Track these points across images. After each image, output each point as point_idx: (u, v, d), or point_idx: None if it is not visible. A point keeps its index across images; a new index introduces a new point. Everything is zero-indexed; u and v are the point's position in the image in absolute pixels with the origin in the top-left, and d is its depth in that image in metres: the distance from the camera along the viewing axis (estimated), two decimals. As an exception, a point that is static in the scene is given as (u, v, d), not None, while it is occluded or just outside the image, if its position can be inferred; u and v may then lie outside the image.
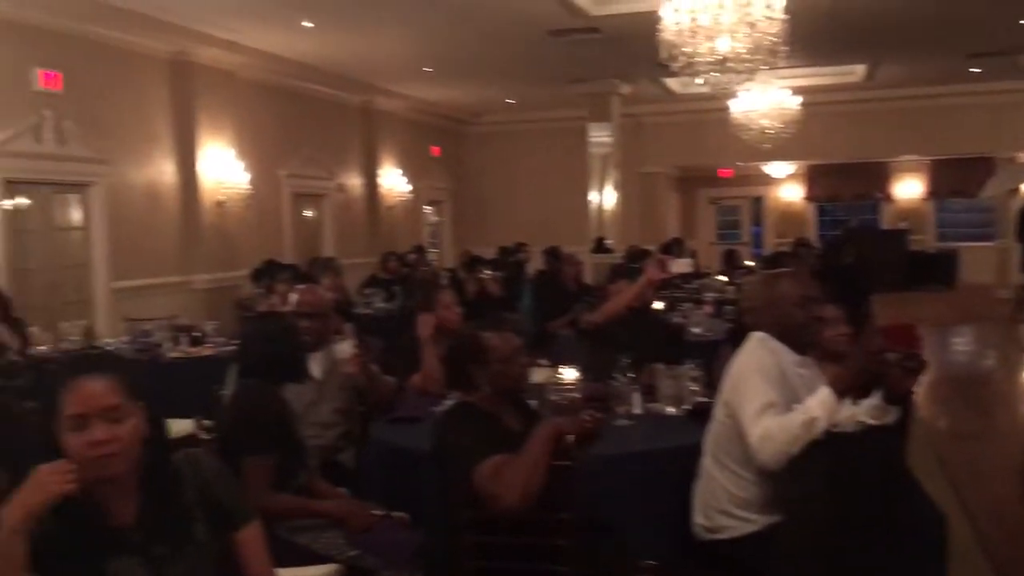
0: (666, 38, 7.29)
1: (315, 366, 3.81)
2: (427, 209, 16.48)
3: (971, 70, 13.15)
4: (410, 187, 14.95)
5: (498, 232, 15.30)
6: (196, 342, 6.74)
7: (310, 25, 9.52)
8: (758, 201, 19.76)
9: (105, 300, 8.90)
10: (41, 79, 8.14)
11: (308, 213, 12.89)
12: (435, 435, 2.97)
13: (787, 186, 19.18)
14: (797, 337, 3.03)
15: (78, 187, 8.76)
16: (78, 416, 1.81)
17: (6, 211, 7.86)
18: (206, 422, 3.68)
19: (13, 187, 8.00)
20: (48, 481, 1.70)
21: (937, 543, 2.88)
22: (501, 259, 11.76)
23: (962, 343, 11.73)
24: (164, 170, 9.79)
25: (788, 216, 19.13)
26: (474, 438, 2.77)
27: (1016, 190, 11.80)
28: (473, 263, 10.39)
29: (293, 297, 4.11)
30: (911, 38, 11.04)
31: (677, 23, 7.22)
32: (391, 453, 3.62)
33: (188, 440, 3.57)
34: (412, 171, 15.11)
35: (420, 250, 12.37)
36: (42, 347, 6.53)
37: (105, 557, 1.81)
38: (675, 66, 7.50)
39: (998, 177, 14.37)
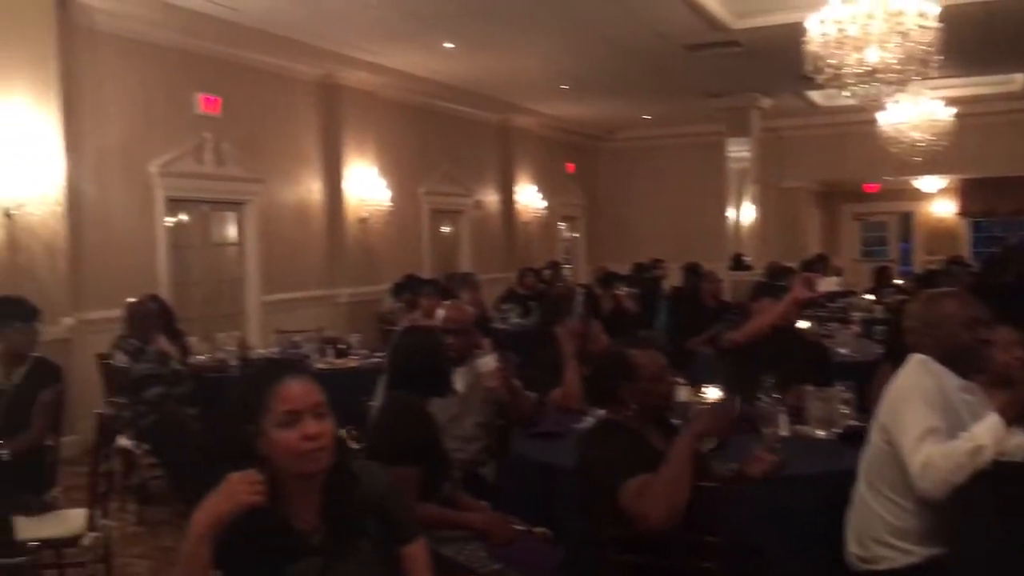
0: (812, 50, 7.10)
1: (458, 380, 3.87)
2: (561, 225, 16.54)
3: None
4: (545, 203, 15.06)
5: (632, 248, 15.19)
6: (341, 354, 6.97)
7: (451, 46, 9.75)
8: (906, 217, 18.91)
9: (256, 312, 9.34)
10: (202, 103, 8.64)
11: (445, 229, 13.16)
12: (579, 451, 2.97)
13: (938, 201, 18.28)
14: (962, 360, 2.87)
15: (234, 205, 9.25)
16: (291, 412, 1.89)
17: (169, 228, 8.36)
18: (352, 432, 3.78)
19: (175, 205, 8.50)
20: (238, 490, 1.78)
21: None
22: (636, 275, 11.65)
23: None
24: (312, 188, 10.21)
25: (939, 232, 18.21)
26: (620, 455, 2.75)
27: None
28: (609, 279, 10.34)
29: (440, 312, 4.19)
30: (1078, 43, 10.37)
31: (823, 34, 7.02)
32: (532, 468, 3.64)
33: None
34: (547, 187, 15.22)
35: (555, 266, 12.42)
36: (200, 357, 6.89)
37: (288, 560, 1.88)
38: (821, 78, 7.29)
39: None
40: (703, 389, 3.80)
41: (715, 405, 2.90)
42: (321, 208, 10.34)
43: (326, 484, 1.96)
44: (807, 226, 17.35)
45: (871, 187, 18.11)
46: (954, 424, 2.75)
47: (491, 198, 14.12)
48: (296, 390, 1.92)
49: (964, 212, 18.06)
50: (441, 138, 12.62)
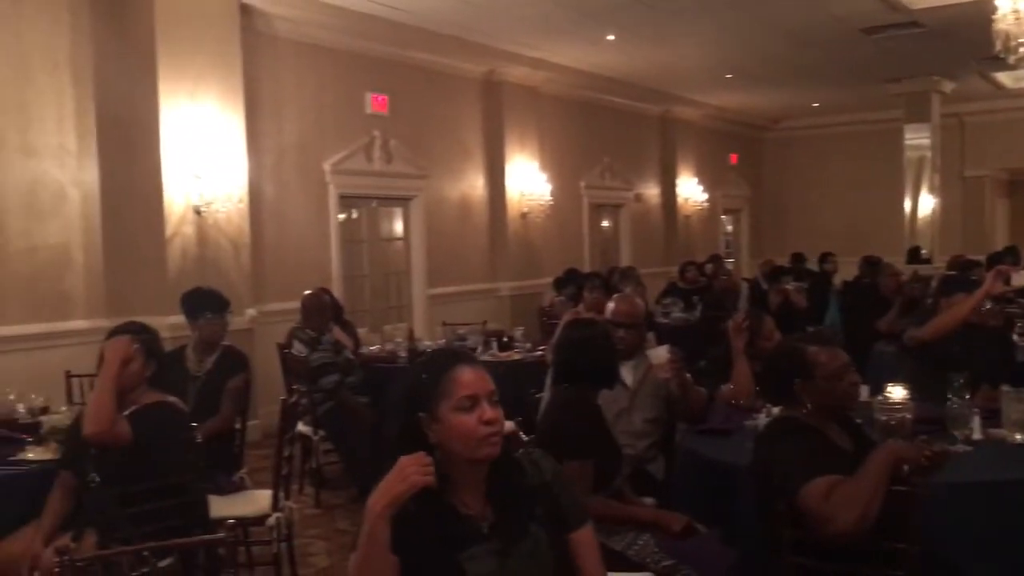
0: (1001, 28, 6.64)
1: (628, 374, 3.83)
2: (723, 218, 16.17)
3: None
4: (706, 195, 14.76)
5: (797, 241, 14.66)
6: (504, 347, 7.05)
7: (612, 38, 9.69)
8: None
9: (422, 305, 9.60)
10: (372, 103, 8.94)
11: (605, 223, 13.11)
12: (757, 449, 2.87)
13: None
14: None
15: (401, 201, 9.54)
16: (470, 397, 1.95)
17: (340, 223, 8.71)
18: (522, 423, 3.81)
19: (347, 202, 8.85)
20: (411, 472, 1.82)
21: None
22: (795, 266, 11.22)
23: None
24: (475, 184, 10.40)
25: None
26: (801, 454, 2.64)
27: None
28: (776, 274, 10.01)
29: (610, 306, 4.16)
30: None
31: (1016, 10, 6.55)
32: (701, 465, 3.56)
33: (510, 439, 3.72)
34: (709, 179, 14.91)
35: (717, 259, 12.13)
36: (371, 348, 7.14)
37: (460, 545, 1.92)
38: (1012, 59, 6.82)
39: None
40: (888, 389, 3.59)
41: (925, 444, 2.71)
42: (483, 203, 10.51)
43: (492, 472, 1.99)
44: (993, 217, 16.24)
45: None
46: None
47: (651, 191, 13.95)
48: (472, 376, 1.97)
49: None
50: (602, 131, 12.57)
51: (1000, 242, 14.60)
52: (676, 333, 8.03)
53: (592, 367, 3.34)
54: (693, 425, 3.90)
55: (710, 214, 15.23)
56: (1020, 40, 6.65)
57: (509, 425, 3.67)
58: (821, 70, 11.90)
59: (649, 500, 3.50)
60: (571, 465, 2.99)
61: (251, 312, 7.33)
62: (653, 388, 3.93)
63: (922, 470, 2.60)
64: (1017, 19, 6.57)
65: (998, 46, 6.77)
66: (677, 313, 9.22)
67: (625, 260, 12.55)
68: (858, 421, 3.05)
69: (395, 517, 1.81)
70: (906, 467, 2.58)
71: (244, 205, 7.30)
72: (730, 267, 13.78)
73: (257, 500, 4.08)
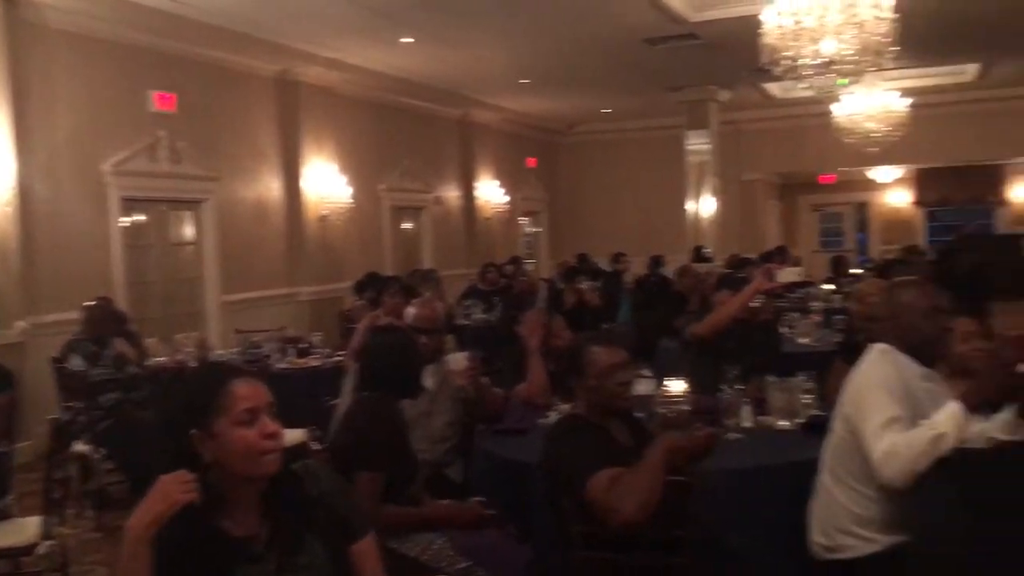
0: (768, 42, 7.15)
1: (428, 379, 3.84)
2: (523, 220, 16.53)
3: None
4: (507, 198, 15.03)
5: (595, 242, 15.22)
6: (303, 353, 6.90)
7: (409, 41, 9.68)
8: (862, 207, 19.17)
9: (216, 312, 9.21)
10: (156, 101, 8.49)
11: (407, 225, 13.08)
12: (544, 447, 2.95)
13: (894, 191, 18.55)
14: (923, 349, 2.89)
15: (191, 204, 9.10)
16: (250, 410, 1.88)
17: (124, 228, 8.21)
18: (315, 432, 3.74)
19: (131, 205, 8.35)
20: (171, 490, 1.75)
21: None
22: (584, 266, 11.68)
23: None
24: (271, 186, 10.09)
25: (895, 222, 18.48)
26: (584, 450, 2.74)
27: None
28: (571, 274, 10.36)
29: (410, 311, 4.15)
30: (1028, 34, 10.55)
31: (780, 26, 7.07)
32: (498, 465, 3.62)
33: (300, 450, 3.63)
34: (508, 182, 15.20)
35: (517, 261, 12.39)
36: (159, 358, 6.78)
37: (231, 567, 1.84)
38: (778, 70, 7.35)
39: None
40: (666, 382, 3.78)
41: (698, 427, 2.86)
42: (280, 206, 10.22)
43: (267, 488, 1.93)
44: (766, 218, 17.50)
45: (827, 178, 18.31)
46: (916, 413, 2.77)
47: (452, 194, 14.06)
48: (250, 389, 1.91)
49: (919, 201, 18.34)
50: (401, 134, 12.53)
51: (773, 240, 15.78)
52: (477, 334, 8.15)
53: (396, 374, 3.31)
54: (490, 426, 3.96)
55: (510, 216, 15.52)
56: (785, 53, 7.20)
57: (292, 436, 3.57)
58: (610, 78, 12.40)
59: (446, 502, 3.51)
60: (362, 476, 2.96)
61: (21, 324, 6.77)
62: (452, 392, 3.96)
63: (699, 452, 2.75)
64: (782, 34, 7.11)
65: (765, 58, 7.30)
66: (478, 315, 9.34)
67: (427, 262, 12.57)
68: (638, 415, 3.19)
69: (160, 541, 1.72)
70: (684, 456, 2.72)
71: (12, 208, 6.74)
72: (530, 268, 14.13)
73: (25, 528, 3.78)
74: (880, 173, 17.89)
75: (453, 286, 11.22)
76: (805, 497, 3.05)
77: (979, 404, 2.71)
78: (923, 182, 18.03)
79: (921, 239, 17.50)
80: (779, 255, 11.56)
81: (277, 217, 10.18)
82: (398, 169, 12.46)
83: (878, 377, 2.83)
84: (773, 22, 7.11)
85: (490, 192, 14.67)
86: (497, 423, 3.94)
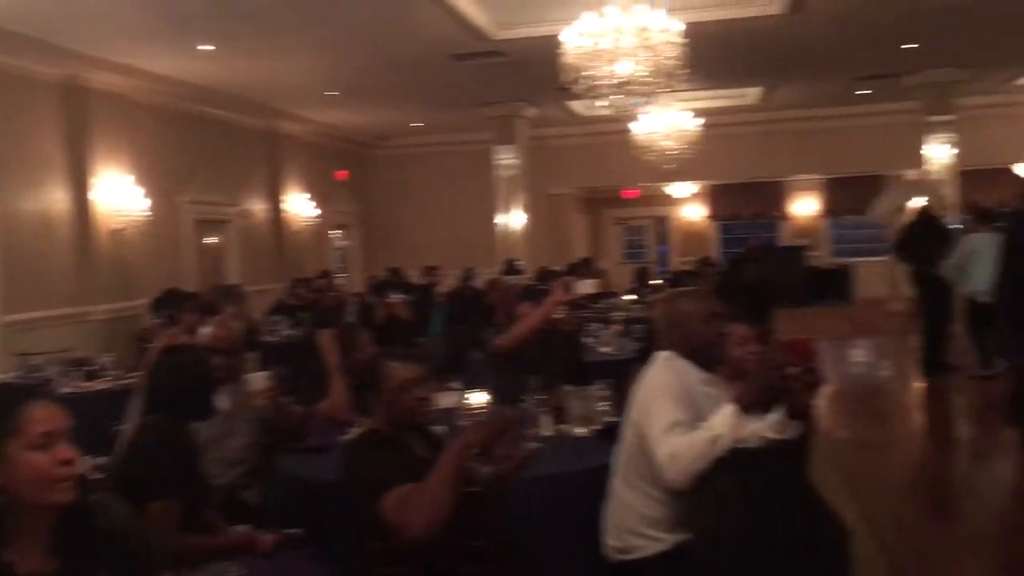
0: (568, 61, 7.40)
1: (224, 399, 3.70)
2: (334, 233, 16.29)
3: (859, 92, 13.72)
4: (317, 211, 14.76)
5: (408, 255, 15.22)
6: (91, 376, 6.48)
7: (209, 48, 9.33)
8: (663, 220, 20.18)
9: (-5, 334, 8.49)
10: (-79, 105, 7.76)
11: (211, 239, 12.58)
12: (341, 464, 2.91)
13: (690, 206, 19.64)
14: (703, 355, 3.07)
15: (-36, 217, 8.36)
16: (46, 434, 1.77)
17: None
18: (100, 460, 3.52)
19: None
20: None
21: (842, 559, 2.95)
22: (396, 280, 11.68)
23: (860, 356, 12.16)
24: (57, 198, 9.42)
25: (692, 235, 19.58)
26: (380, 466, 2.72)
27: (903, 208, 12.32)
28: (381, 287, 10.30)
29: (205, 331, 3.98)
30: (803, 62, 11.46)
31: (579, 47, 7.35)
32: (298, 484, 3.53)
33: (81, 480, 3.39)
34: (318, 195, 14.92)
35: (327, 275, 12.19)
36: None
37: None
38: (577, 89, 7.63)
39: (886, 195, 14.98)
40: (467, 395, 3.82)
41: (484, 418, 2.90)
42: (68, 219, 9.55)
43: (60, 520, 1.81)
44: (574, 231, 18.09)
45: (630, 193, 19.17)
46: (698, 416, 2.93)
47: (259, 206, 13.64)
48: (47, 412, 1.80)
49: (713, 216, 19.52)
50: (204, 144, 12.04)
51: (581, 253, 16.33)
52: (283, 351, 7.93)
53: (184, 396, 3.17)
54: (290, 446, 3.87)
55: (320, 229, 15.25)
56: (584, 73, 7.48)
57: (85, 464, 3.34)
58: (419, 92, 12.45)
59: (243, 528, 3.39)
60: (154, 507, 2.81)
61: None
62: (250, 413, 3.83)
63: (498, 439, 2.77)
64: (581, 55, 7.38)
65: (566, 77, 7.56)
66: (285, 331, 9.11)
67: (234, 277, 12.12)
68: (437, 429, 3.21)
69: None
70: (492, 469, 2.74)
71: None
72: (341, 282, 13.92)
73: None
74: (677, 189, 18.89)
75: (262, 301, 10.89)
76: (602, 502, 3.16)
77: (752, 405, 2.91)
78: (716, 197, 19.22)
79: (715, 251, 18.63)
80: (585, 267, 11.99)
81: (64, 231, 9.52)
82: (200, 181, 11.95)
83: (662, 384, 2.98)
84: (573, 42, 7.38)
85: (299, 205, 14.36)
86: (297, 442, 3.85)
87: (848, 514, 4.78)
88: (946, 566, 4.45)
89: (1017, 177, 15.42)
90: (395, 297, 9.33)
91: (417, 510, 2.57)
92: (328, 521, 3.30)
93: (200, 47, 9.26)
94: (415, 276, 12.87)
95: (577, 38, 7.35)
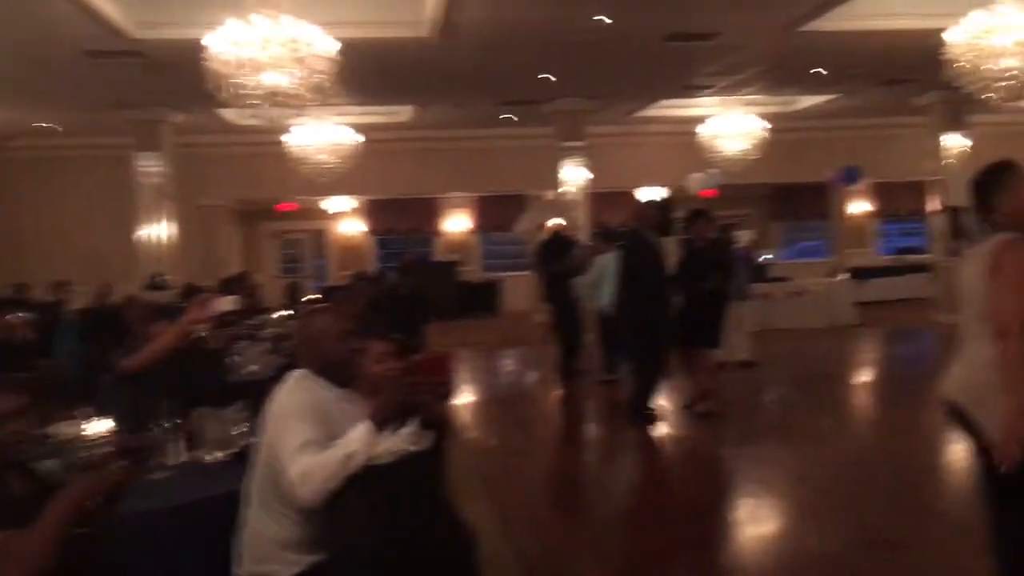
0: (214, 68, 7.12)
1: None
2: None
3: (504, 116, 14.61)
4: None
5: (36, 269, 13.66)
6: None
7: None
8: (321, 235, 20.03)
9: None
10: None
11: None
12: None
13: (348, 220, 19.69)
14: (337, 371, 3.06)
15: None
16: None
17: None
18: None
19: None
20: None
21: (470, 563, 3.06)
22: (19, 298, 10.53)
23: (506, 365, 12.89)
24: None
25: (350, 249, 19.63)
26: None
27: (543, 225, 13.26)
28: (2, 305, 9.17)
29: None
30: (452, 84, 11.97)
31: (224, 53, 7.09)
32: None
33: None
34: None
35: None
36: None
37: None
38: (224, 97, 7.36)
39: (528, 214, 16.09)
40: (85, 423, 3.48)
41: (98, 472, 2.65)
42: None
43: None
44: (228, 244, 17.39)
45: (287, 206, 18.81)
46: (333, 434, 2.91)
47: None
48: None
49: (371, 231, 19.71)
50: None
51: (236, 267, 15.71)
52: None
53: None
54: None
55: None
56: (231, 80, 7.22)
57: None
58: (48, 90, 11.32)
59: None
60: None
61: None
62: None
63: (111, 494, 2.57)
64: (226, 62, 7.12)
65: (211, 84, 7.25)
66: None
67: None
68: (49, 464, 2.90)
69: None
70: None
71: None
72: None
73: None
74: (334, 203, 18.86)
75: None
76: (234, 529, 3.03)
77: (386, 419, 2.95)
78: (373, 212, 19.44)
79: (374, 265, 18.83)
80: (239, 282, 11.53)
81: None
82: None
83: (293, 403, 2.92)
84: (218, 49, 7.10)
85: None
86: None
87: (487, 517, 5.05)
88: (572, 555, 4.81)
89: (641, 199, 17.27)
90: (16, 316, 8.37)
91: (17, 561, 2.30)
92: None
93: None
94: (42, 292, 11.63)
95: (222, 44, 7.09)
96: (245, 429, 3.82)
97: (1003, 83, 7.97)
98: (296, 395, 2.94)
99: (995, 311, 2.85)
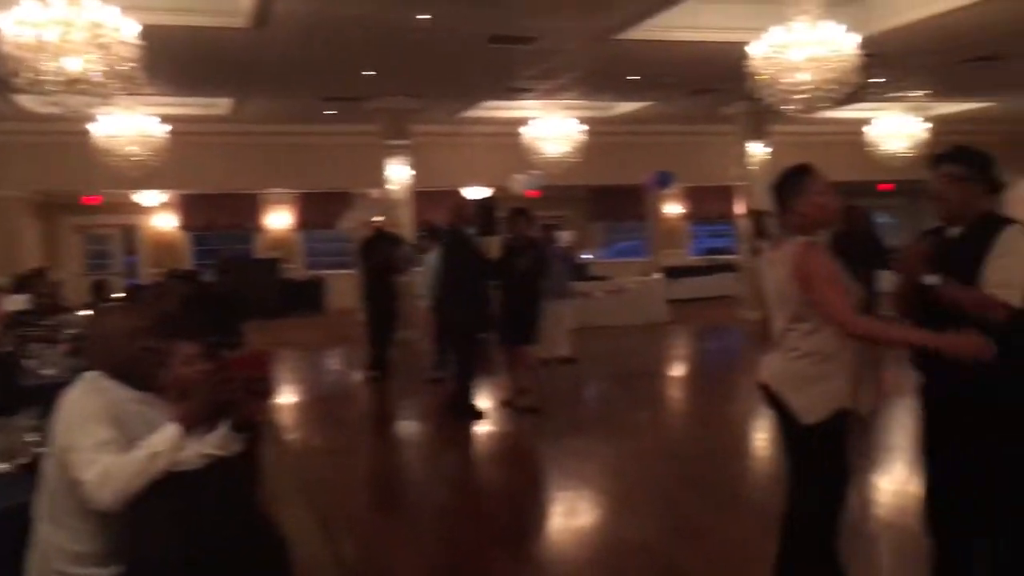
0: (7, 51, 6.66)
1: None
2: None
3: (326, 112, 14.34)
4: None
5: None
6: None
7: None
8: (131, 230, 19.02)
9: None
10: None
11: None
12: None
13: (161, 215, 18.79)
14: (131, 373, 2.90)
15: None
16: None
17: None
18: None
19: None
20: None
21: (280, 570, 3.00)
22: None
23: (330, 364, 12.70)
24: None
25: (163, 245, 18.75)
26: None
27: (368, 223, 13.11)
28: None
29: None
30: (270, 77, 11.64)
31: (19, 36, 6.63)
32: None
33: None
34: None
35: None
36: None
37: None
38: (19, 83, 6.90)
39: (353, 211, 15.89)
40: None
41: None
42: None
43: None
44: (25, 239, 16.19)
45: (92, 199, 17.75)
46: (132, 438, 2.76)
47: None
48: None
49: (186, 226, 18.88)
50: None
51: (33, 263, 14.64)
52: None
53: None
54: None
55: None
56: (28, 65, 6.75)
57: None
58: None
59: None
60: None
61: None
62: None
63: None
64: (22, 45, 6.65)
65: (6, 69, 6.77)
66: None
67: None
68: None
69: None
70: None
71: None
72: None
73: None
74: (145, 197, 17.96)
75: None
76: (22, 545, 2.83)
77: (195, 422, 2.83)
78: (188, 207, 18.63)
79: (188, 262, 18.06)
80: (37, 279, 10.77)
81: None
82: None
83: (83, 408, 2.76)
84: (12, 31, 6.63)
85: None
86: None
87: (305, 520, 4.97)
88: (391, 555, 4.80)
89: (461, 198, 17.41)
90: None
91: None
92: None
93: None
94: None
95: (16, 27, 6.62)
96: (37, 437, 3.59)
97: (799, 95, 8.54)
98: (88, 397, 2.77)
99: (830, 313, 3.16)
